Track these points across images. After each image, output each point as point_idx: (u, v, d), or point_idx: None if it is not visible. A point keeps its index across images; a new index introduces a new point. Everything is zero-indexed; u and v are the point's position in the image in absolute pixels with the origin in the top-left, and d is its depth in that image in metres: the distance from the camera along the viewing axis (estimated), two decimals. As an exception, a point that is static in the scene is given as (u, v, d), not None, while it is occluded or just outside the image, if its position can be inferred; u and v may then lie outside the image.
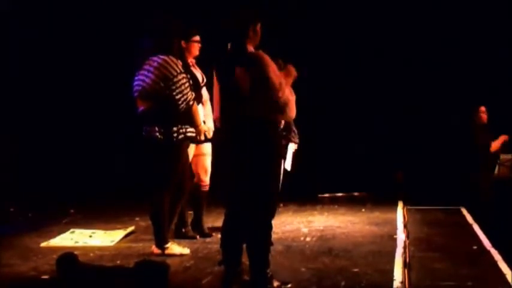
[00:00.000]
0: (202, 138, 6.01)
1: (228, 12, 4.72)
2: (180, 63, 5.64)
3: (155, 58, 5.58)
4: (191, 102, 5.62)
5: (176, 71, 5.54)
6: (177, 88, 5.52)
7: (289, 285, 4.68)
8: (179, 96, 5.54)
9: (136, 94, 5.67)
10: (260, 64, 4.46)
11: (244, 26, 4.57)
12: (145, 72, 5.59)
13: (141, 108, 5.67)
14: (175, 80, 5.52)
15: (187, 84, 5.59)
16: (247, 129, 4.48)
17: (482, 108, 9.22)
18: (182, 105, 5.56)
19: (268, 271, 4.58)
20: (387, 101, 10.36)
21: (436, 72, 10.27)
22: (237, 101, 4.50)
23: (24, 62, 9.76)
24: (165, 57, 5.57)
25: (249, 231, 4.57)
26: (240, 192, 4.56)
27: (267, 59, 4.50)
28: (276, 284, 4.62)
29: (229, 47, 4.61)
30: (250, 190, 4.50)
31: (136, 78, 5.67)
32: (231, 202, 4.66)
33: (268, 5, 9.11)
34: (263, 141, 4.48)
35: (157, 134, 5.56)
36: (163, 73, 5.52)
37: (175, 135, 5.58)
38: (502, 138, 9.04)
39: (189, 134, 5.70)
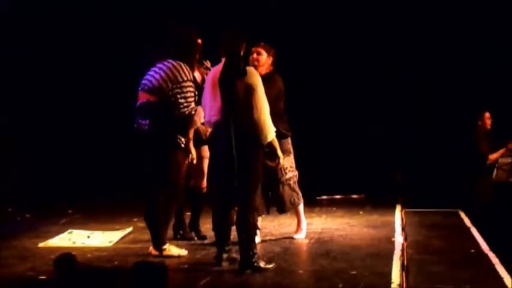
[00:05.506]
0: (192, 160, 5.81)
1: (223, 27, 5.39)
2: (191, 73, 5.72)
3: (170, 60, 5.67)
4: (193, 112, 5.66)
5: (186, 77, 5.62)
6: (182, 92, 5.57)
7: (272, 265, 5.20)
8: (182, 100, 5.57)
9: (140, 87, 5.69)
10: (253, 77, 5.16)
11: (238, 45, 5.25)
12: (157, 69, 5.66)
13: (140, 101, 5.67)
14: (183, 84, 5.58)
15: (192, 94, 5.66)
16: (239, 131, 5.08)
17: (487, 114, 9.21)
18: (183, 110, 5.58)
19: (255, 251, 5.12)
20: (385, 104, 10.37)
21: (435, 75, 10.28)
22: (234, 108, 5.11)
23: (24, 62, 9.75)
24: (180, 63, 5.66)
25: (238, 214, 5.17)
26: (232, 181, 5.10)
27: (259, 77, 5.23)
28: (261, 263, 5.13)
29: (223, 62, 5.21)
30: (240, 179, 5.10)
31: (146, 74, 5.71)
32: (222, 192, 5.25)
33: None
34: (249, 141, 5.13)
35: (146, 127, 5.56)
36: (174, 74, 5.59)
37: (166, 132, 5.57)
38: (501, 151, 9.03)
39: (178, 141, 5.65)
